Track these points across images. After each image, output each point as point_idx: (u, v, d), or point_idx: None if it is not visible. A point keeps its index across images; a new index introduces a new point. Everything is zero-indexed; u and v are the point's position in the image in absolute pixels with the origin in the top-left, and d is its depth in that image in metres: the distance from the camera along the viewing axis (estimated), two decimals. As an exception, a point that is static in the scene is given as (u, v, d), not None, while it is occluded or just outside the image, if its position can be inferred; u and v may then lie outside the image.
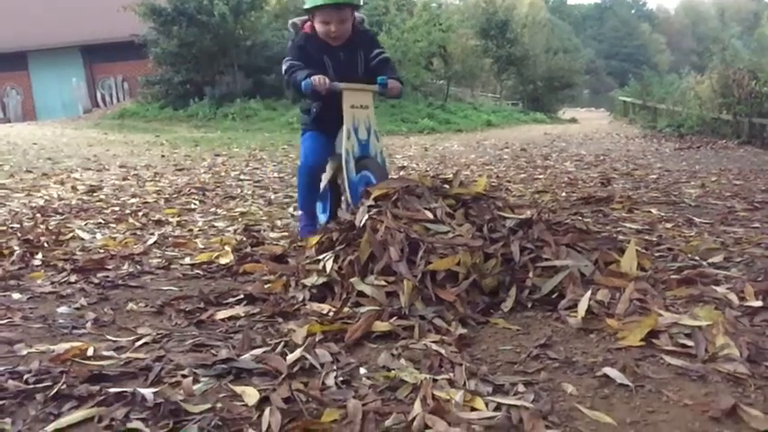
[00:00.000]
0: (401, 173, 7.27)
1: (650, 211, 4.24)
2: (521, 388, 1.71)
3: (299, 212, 3.76)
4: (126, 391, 1.65)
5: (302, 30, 3.62)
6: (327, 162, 3.69)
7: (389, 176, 3.39)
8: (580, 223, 2.99)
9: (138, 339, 2.12)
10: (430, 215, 2.55)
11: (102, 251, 3.43)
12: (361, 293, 2.29)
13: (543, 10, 53.79)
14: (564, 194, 5.19)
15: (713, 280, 2.52)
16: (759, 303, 2.21)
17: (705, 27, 77.98)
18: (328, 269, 2.43)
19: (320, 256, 2.54)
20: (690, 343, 1.90)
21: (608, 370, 1.78)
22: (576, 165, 7.99)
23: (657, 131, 14.63)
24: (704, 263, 2.84)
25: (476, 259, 2.29)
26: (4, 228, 3.95)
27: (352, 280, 2.32)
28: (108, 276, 2.91)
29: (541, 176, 6.67)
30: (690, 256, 2.96)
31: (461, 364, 1.82)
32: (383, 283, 2.27)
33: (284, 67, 3.50)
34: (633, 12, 78.90)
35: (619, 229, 3.67)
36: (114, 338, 2.15)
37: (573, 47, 36.85)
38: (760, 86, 12.13)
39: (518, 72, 29.36)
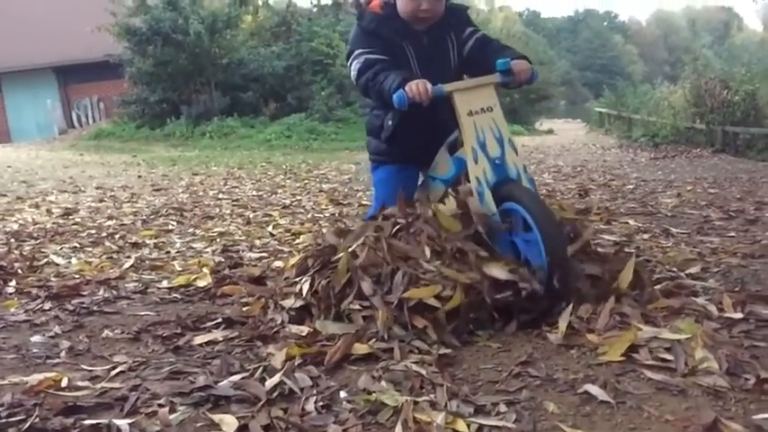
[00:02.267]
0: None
1: (628, 222, 4.27)
2: (502, 408, 1.70)
3: None
4: (101, 423, 1.62)
5: (369, 8, 2.66)
6: None
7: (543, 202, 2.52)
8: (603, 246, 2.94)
9: (114, 368, 2.08)
10: (427, 253, 2.31)
11: (77, 276, 3.38)
12: (338, 316, 2.27)
13: (518, 23, 54.39)
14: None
15: (691, 291, 2.54)
16: (738, 315, 2.22)
17: (677, 37, 79.20)
18: (304, 293, 2.41)
19: (297, 278, 2.51)
20: (670, 357, 1.91)
21: (589, 387, 1.77)
22: (553, 176, 8.04)
23: (633, 141, 14.79)
24: (682, 274, 2.86)
25: (463, 300, 2.18)
26: (-23, 254, 3.88)
27: (316, 324, 2.27)
28: (83, 303, 2.86)
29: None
30: (668, 267, 2.98)
31: (442, 385, 1.81)
32: (358, 307, 2.25)
33: (357, 65, 2.56)
34: (606, 24, 79.92)
35: (597, 241, 3.68)
36: (89, 368, 2.11)
37: (548, 59, 37.25)
38: (731, 95, 12.35)
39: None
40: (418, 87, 2.34)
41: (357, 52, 2.57)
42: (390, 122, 2.64)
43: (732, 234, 3.79)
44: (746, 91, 12.35)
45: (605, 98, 21.94)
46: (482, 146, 2.44)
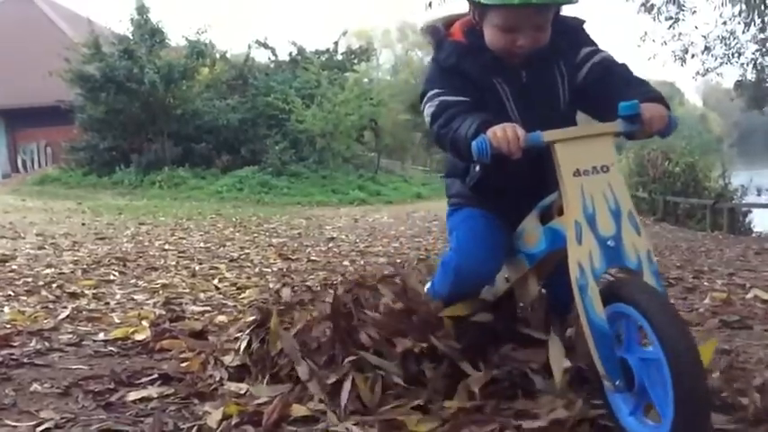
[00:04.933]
0: (330, 245, 7.25)
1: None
2: (442, 473, 1.67)
3: None
4: (20, 484, 1.53)
5: (449, 36, 2.09)
6: (501, 268, 2.20)
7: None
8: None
9: (40, 424, 1.97)
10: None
11: (8, 326, 3.23)
12: (275, 377, 2.21)
13: (471, 88, 55.85)
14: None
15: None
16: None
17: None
18: (241, 351, 2.35)
19: (238, 335, 2.46)
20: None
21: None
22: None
23: (579, 206, 15.17)
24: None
25: None
26: None
27: (251, 390, 2.17)
28: (13, 354, 2.73)
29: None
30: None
31: (382, 448, 1.77)
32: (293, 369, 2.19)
33: (430, 110, 2.01)
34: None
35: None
36: (14, 423, 2.00)
37: (499, 124, 38.25)
38: (673, 167, 12.88)
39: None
40: (506, 133, 1.74)
41: (431, 93, 2.02)
42: (477, 168, 2.09)
43: (671, 302, 3.87)
44: (686, 163, 12.93)
45: (553, 164, 22.57)
46: (590, 219, 1.76)
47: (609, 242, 1.74)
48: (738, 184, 14.07)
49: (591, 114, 2.06)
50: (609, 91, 1.93)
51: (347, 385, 2.01)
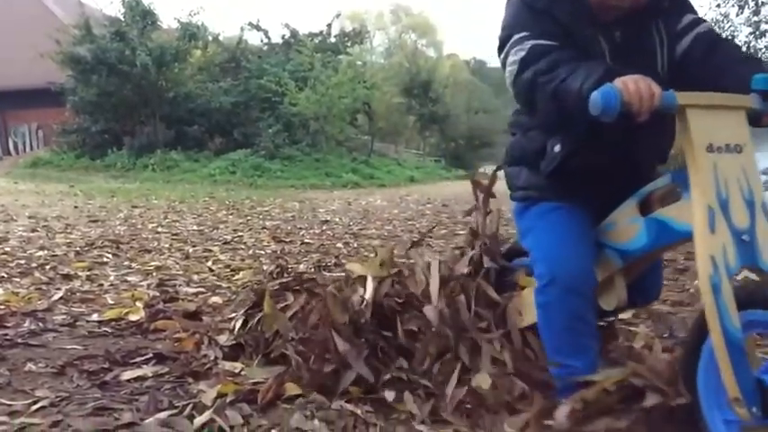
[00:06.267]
0: (323, 227, 7.25)
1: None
2: (435, 449, 1.69)
3: (555, 369, 1.85)
4: (16, 461, 1.54)
5: None
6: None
7: None
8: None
9: (35, 402, 1.98)
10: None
11: (2, 307, 3.23)
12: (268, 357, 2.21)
13: (465, 72, 55.66)
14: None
15: (625, 337, 2.59)
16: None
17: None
18: (235, 331, 2.35)
19: (232, 315, 2.47)
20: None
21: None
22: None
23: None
24: (614, 319, 2.92)
25: None
26: None
27: (244, 371, 2.19)
28: (7, 334, 2.74)
29: (462, 232, 6.77)
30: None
31: (376, 425, 1.79)
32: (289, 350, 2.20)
33: (520, 54, 1.68)
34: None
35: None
36: (9, 402, 2.01)
37: (493, 107, 38.31)
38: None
39: (440, 130, 30.17)
40: (638, 87, 1.43)
41: (518, 37, 1.70)
42: (558, 148, 1.77)
43: (663, 282, 3.89)
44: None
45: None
46: (724, 206, 1.47)
47: (743, 236, 1.46)
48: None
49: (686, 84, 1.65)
50: (717, 67, 1.67)
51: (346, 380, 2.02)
